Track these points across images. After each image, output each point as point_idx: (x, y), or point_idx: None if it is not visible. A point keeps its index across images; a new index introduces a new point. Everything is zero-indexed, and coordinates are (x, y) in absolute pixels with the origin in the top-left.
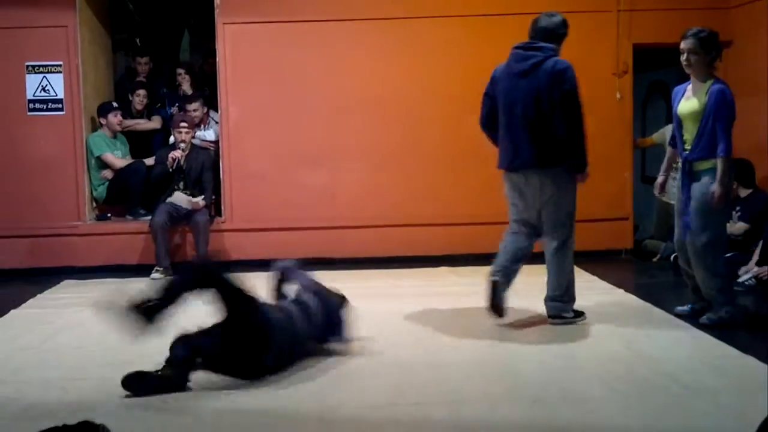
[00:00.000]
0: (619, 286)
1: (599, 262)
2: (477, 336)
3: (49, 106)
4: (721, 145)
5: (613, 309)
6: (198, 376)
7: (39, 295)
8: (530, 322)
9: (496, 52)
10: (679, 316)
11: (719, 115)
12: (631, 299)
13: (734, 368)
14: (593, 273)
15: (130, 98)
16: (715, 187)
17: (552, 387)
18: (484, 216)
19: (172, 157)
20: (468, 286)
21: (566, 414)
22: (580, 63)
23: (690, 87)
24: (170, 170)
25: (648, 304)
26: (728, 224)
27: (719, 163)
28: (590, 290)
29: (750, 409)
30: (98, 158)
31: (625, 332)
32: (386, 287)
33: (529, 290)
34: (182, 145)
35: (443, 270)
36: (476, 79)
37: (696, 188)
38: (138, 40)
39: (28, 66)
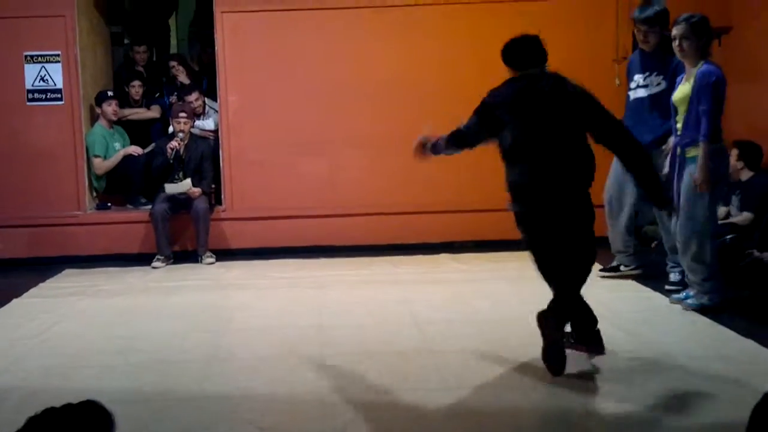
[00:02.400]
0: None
1: (598, 248)
2: (477, 322)
3: (48, 96)
4: (703, 128)
5: (612, 294)
6: (198, 365)
7: (41, 285)
8: (529, 311)
9: (496, 39)
10: (674, 302)
11: (701, 97)
12: (630, 284)
13: (734, 352)
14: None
15: (127, 89)
16: (697, 173)
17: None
18: (485, 203)
19: (170, 147)
20: (468, 273)
21: (567, 399)
22: (580, 49)
23: (686, 72)
24: (170, 161)
25: (647, 289)
26: (732, 213)
27: (701, 147)
28: (589, 277)
29: (749, 394)
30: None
31: (624, 317)
32: (387, 274)
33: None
34: (181, 134)
35: (444, 257)
36: (476, 65)
37: (684, 175)
38: (126, 36)
39: (26, 56)
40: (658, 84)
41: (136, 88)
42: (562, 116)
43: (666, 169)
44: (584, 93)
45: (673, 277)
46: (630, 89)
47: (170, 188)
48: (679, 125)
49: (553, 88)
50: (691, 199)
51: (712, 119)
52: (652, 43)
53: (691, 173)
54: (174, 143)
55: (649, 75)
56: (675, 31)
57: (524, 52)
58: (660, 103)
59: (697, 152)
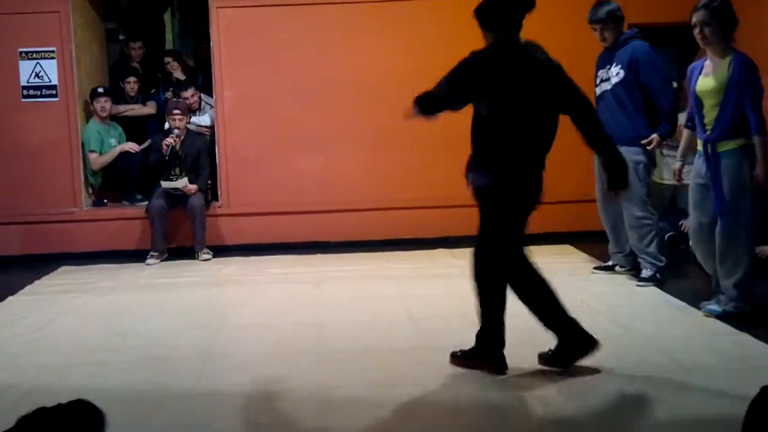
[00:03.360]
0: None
1: (595, 242)
2: (474, 318)
3: (43, 93)
4: (753, 120)
5: (607, 288)
6: (193, 361)
7: (36, 282)
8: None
9: None
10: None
11: (747, 88)
12: (626, 279)
13: (729, 346)
14: (589, 254)
15: (122, 85)
16: (760, 169)
17: (546, 368)
18: None
19: (166, 144)
20: (465, 268)
21: (561, 393)
22: (574, 43)
23: (707, 63)
24: (166, 158)
25: (643, 283)
26: None
27: (756, 142)
28: (586, 271)
29: (744, 387)
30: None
31: (619, 311)
32: (383, 270)
33: None
34: (176, 131)
35: (441, 252)
36: None
37: (726, 169)
38: (121, 32)
39: (21, 52)
40: (617, 74)
41: (131, 85)
42: (551, 87)
43: (671, 164)
44: (559, 64)
45: (645, 273)
46: (596, 85)
47: (166, 184)
48: (706, 120)
49: (546, 58)
50: (736, 198)
51: (761, 110)
52: (610, 40)
53: (740, 167)
54: (169, 140)
55: (609, 68)
56: (695, 18)
57: (515, 16)
58: (623, 93)
59: (733, 145)
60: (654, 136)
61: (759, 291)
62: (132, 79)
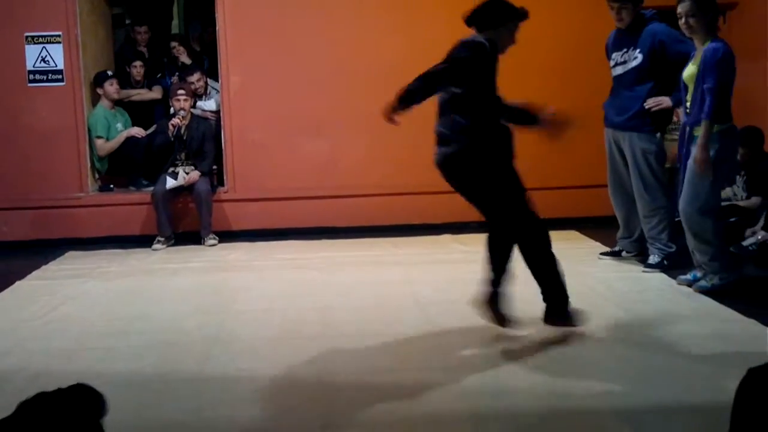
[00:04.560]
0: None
1: (599, 227)
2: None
3: (49, 77)
4: (706, 106)
5: (611, 273)
6: (199, 346)
7: (43, 267)
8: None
9: None
10: (681, 284)
11: (706, 74)
12: (630, 263)
13: (736, 332)
14: (596, 239)
15: (128, 69)
16: (696, 153)
17: (552, 352)
18: None
19: (172, 124)
20: (471, 254)
21: (567, 379)
22: (578, 27)
23: (696, 51)
24: (171, 138)
25: (650, 269)
26: (736, 194)
27: (702, 126)
28: (592, 256)
29: None
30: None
31: (624, 296)
32: (389, 255)
33: None
34: (182, 112)
35: (446, 237)
36: None
37: (690, 154)
38: (127, 16)
39: (27, 36)
40: (635, 58)
41: (137, 69)
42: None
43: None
44: None
45: (653, 259)
46: (611, 67)
47: (171, 183)
48: (688, 104)
49: None
50: (695, 179)
51: (716, 98)
52: (626, 21)
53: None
54: (176, 120)
55: (626, 51)
56: (680, 9)
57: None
58: (638, 76)
59: (700, 130)
60: (664, 98)
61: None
62: (138, 63)
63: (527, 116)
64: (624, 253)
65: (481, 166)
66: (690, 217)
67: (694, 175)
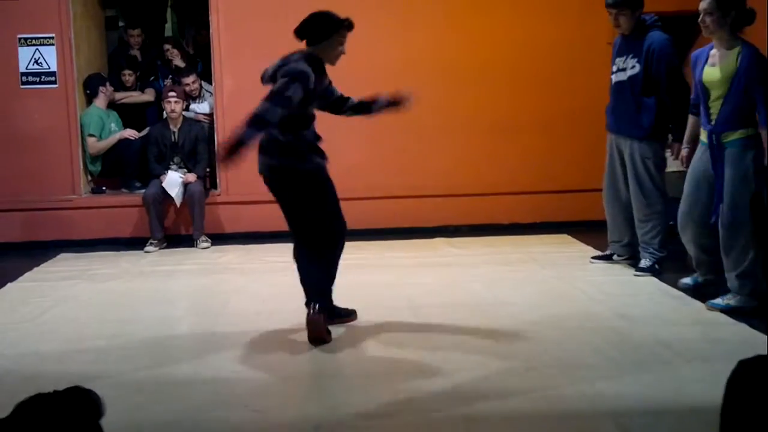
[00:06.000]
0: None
1: (593, 232)
2: (471, 307)
3: (42, 79)
4: (761, 116)
5: (603, 277)
6: (192, 348)
7: (35, 269)
8: (523, 295)
9: (493, 24)
10: (681, 289)
11: (759, 79)
12: (623, 268)
13: (726, 335)
14: (587, 243)
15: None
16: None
17: (545, 355)
18: (479, 187)
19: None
20: (463, 257)
21: (560, 382)
22: (575, 32)
23: (713, 52)
24: (162, 150)
25: (641, 273)
26: None
27: (764, 135)
28: (583, 260)
29: None
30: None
31: (616, 300)
32: (381, 258)
33: (516, 260)
34: (174, 114)
35: (438, 241)
36: (473, 50)
37: (729, 160)
38: (120, 19)
39: (20, 38)
40: (633, 67)
41: (126, 77)
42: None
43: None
44: None
45: (644, 263)
46: (612, 73)
47: (172, 184)
48: (712, 109)
49: None
50: (738, 189)
51: None
52: (625, 26)
53: (747, 157)
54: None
55: (627, 58)
56: (699, 6)
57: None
58: (636, 86)
59: (738, 135)
60: (674, 143)
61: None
62: (127, 71)
63: (367, 105)
64: (615, 257)
65: (293, 182)
66: (733, 229)
67: (738, 184)
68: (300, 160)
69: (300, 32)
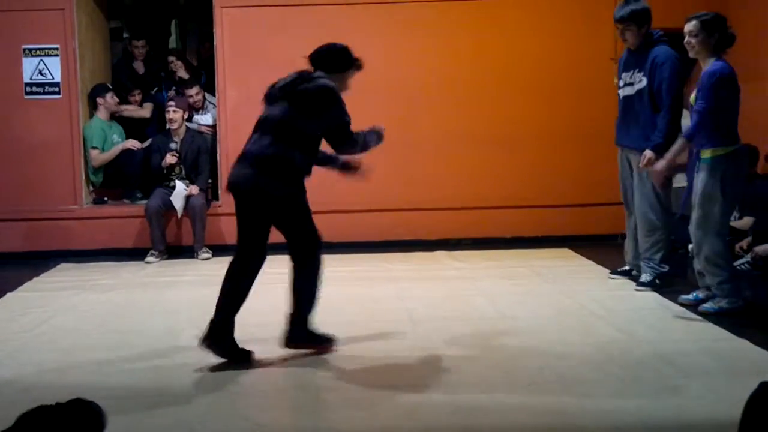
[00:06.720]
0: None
1: (594, 246)
2: (473, 320)
3: (46, 90)
4: (690, 126)
5: (604, 292)
6: (192, 360)
7: (35, 279)
8: (525, 309)
9: (498, 36)
10: (682, 305)
11: (699, 95)
12: (624, 283)
13: (727, 351)
14: (588, 257)
15: (124, 82)
16: (659, 163)
17: (547, 370)
18: (482, 200)
19: (167, 162)
20: (465, 270)
21: (562, 397)
22: (577, 47)
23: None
24: (164, 171)
25: (642, 288)
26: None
27: (677, 143)
28: (585, 274)
29: (742, 392)
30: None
31: (617, 315)
32: (382, 271)
33: (518, 274)
34: (173, 124)
35: (440, 254)
36: (476, 63)
37: (700, 176)
38: (125, 30)
39: (24, 49)
40: (640, 81)
41: (135, 97)
42: None
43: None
44: None
45: (645, 277)
46: (619, 87)
47: (178, 193)
48: None
49: None
50: (707, 200)
51: (702, 120)
52: (632, 41)
53: (705, 178)
54: (171, 159)
55: (633, 72)
56: (685, 28)
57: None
58: (644, 99)
59: (708, 154)
60: (645, 152)
61: (750, 290)
62: (136, 92)
63: (324, 158)
64: (635, 272)
65: (293, 208)
66: (700, 240)
67: (704, 198)
68: (284, 185)
69: (316, 59)
